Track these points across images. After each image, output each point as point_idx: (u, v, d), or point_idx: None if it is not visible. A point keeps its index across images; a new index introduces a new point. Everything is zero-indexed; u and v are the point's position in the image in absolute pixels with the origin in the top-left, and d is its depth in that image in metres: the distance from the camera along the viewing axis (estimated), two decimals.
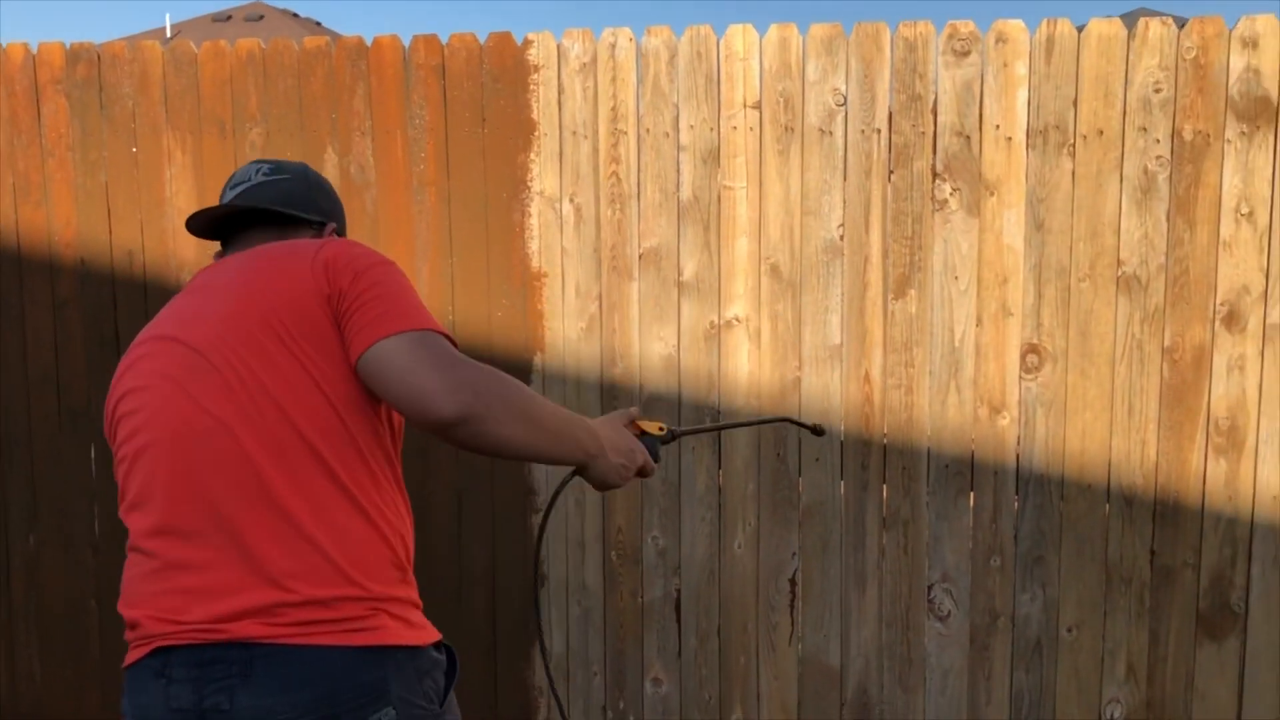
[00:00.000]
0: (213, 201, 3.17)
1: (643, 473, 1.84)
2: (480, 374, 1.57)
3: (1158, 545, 2.78)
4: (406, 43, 3.07)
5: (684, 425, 2.86)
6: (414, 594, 1.67)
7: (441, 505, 3.14)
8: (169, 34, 21.53)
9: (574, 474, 1.81)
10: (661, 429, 1.90)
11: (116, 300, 3.27)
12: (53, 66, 3.26)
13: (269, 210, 1.82)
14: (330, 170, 3.11)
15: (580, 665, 3.13)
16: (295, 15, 25.11)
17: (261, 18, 23.74)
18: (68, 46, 3.26)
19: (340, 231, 1.93)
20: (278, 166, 1.89)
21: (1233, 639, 2.77)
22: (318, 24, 25.44)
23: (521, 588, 3.14)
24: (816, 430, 2.08)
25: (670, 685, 3.09)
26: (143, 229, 3.25)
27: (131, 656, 1.60)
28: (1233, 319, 2.68)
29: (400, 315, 1.58)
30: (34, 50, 3.28)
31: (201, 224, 1.85)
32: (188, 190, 3.21)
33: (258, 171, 1.87)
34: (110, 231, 3.27)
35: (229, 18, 23.93)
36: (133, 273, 3.26)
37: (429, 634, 1.65)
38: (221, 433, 1.57)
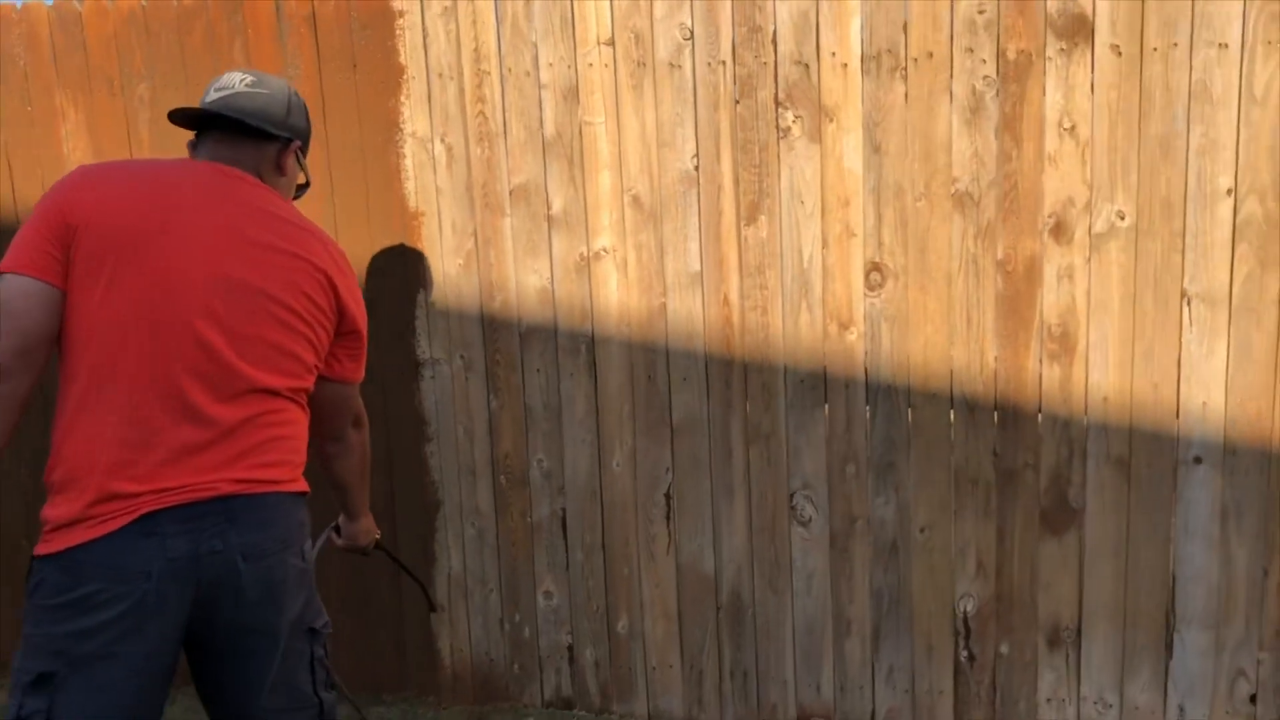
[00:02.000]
0: (111, 154, 3.32)
1: (367, 549, 2.55)
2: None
3: (1000, 448, 2.95)
4: None
5: (549, 357, 3.04)
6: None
7: None
8: None
9: (335, 526, 2.52)
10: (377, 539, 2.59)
11: None
12: None
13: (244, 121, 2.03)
14: None
15: (477, 583, 3.33)
16: None
17: None
18: None
19: (305, 149, 2.18)
20: (259, 80, 2.10)
21: (1072, 533, 2.94)
22: None
23: (419, 514, 3.32)
24: (432, 608, 3.01)
25: (561, 597, 3.29)
26: (43, 185, 3.38)
27: (110, 526, 1.80)
28: (1060, 230, 2.81)
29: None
30: None
31: (180, 117, 2.07)
32: (83, 147, 3.34)
33: (241, 81, 2.08)
34: (13, 189, 3.42)
35: None
36: None
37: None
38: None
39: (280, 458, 1.97)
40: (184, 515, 1.85)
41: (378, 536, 2.55)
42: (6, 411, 1.81)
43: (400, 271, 3.20)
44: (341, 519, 2.48)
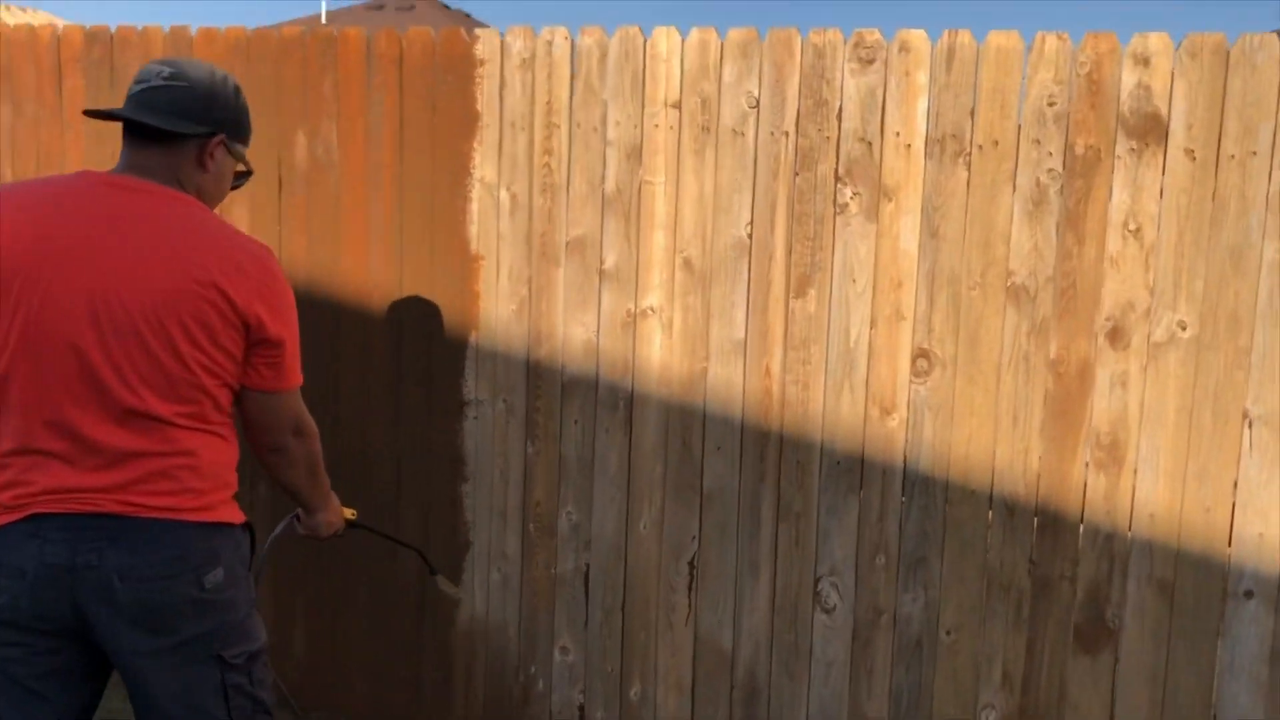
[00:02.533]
0: None
1: (336, 534, 2.53)
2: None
3: (1037, 555, 2.81)
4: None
5: (588, 410, 3.04)
6: None
7: (383, 469, 3.37)
8: (323, 19, 22.39)
9: (295, 515, 2.50)
10: (353, 513, 2.61)
11: None
12: (74, 46, 3.60)
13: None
14: (300, 151, 3.37)
15: (497, 629, 3.32)
16: (445, 6, 25.91)
17: (412, 7, 24.53)
18: (86, 29, 3.60)
19: (234, 140, 2.13)
20: (178, 71, 2.04)
21: (1107, 653, 2.77)
22: (467, 15, 26.16)
23: (449, 553, 3.34)
24: (432, 572, 2.93)
25: (576, 654, 3.25)
26: None
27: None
28: (1117, 335, 2.69)
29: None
30: (59, 32, 3.63)
31: (100, 115, 2.12)
32: None
33: (158, 75, 2.04)
34: None
35: (381, 6, 24.83)
36: None
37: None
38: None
39: (177, 487, 1.95)
40: (66, 524, 1.89)
41: (346, 520, 2.54)
42: None
43: (456, 311, 3.25)
44: (299, 511, 2.48)
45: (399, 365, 3.33)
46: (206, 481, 2.01)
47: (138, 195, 1.99)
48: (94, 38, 3.58)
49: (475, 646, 3.35)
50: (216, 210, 2.19)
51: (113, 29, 3.59)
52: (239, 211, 3.43)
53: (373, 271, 3.32)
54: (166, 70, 2.05)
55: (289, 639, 3.54)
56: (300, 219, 3.39)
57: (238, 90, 2.17)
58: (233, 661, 2.03)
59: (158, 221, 1.98)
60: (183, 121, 2.03)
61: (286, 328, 2.09)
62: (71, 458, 1.90)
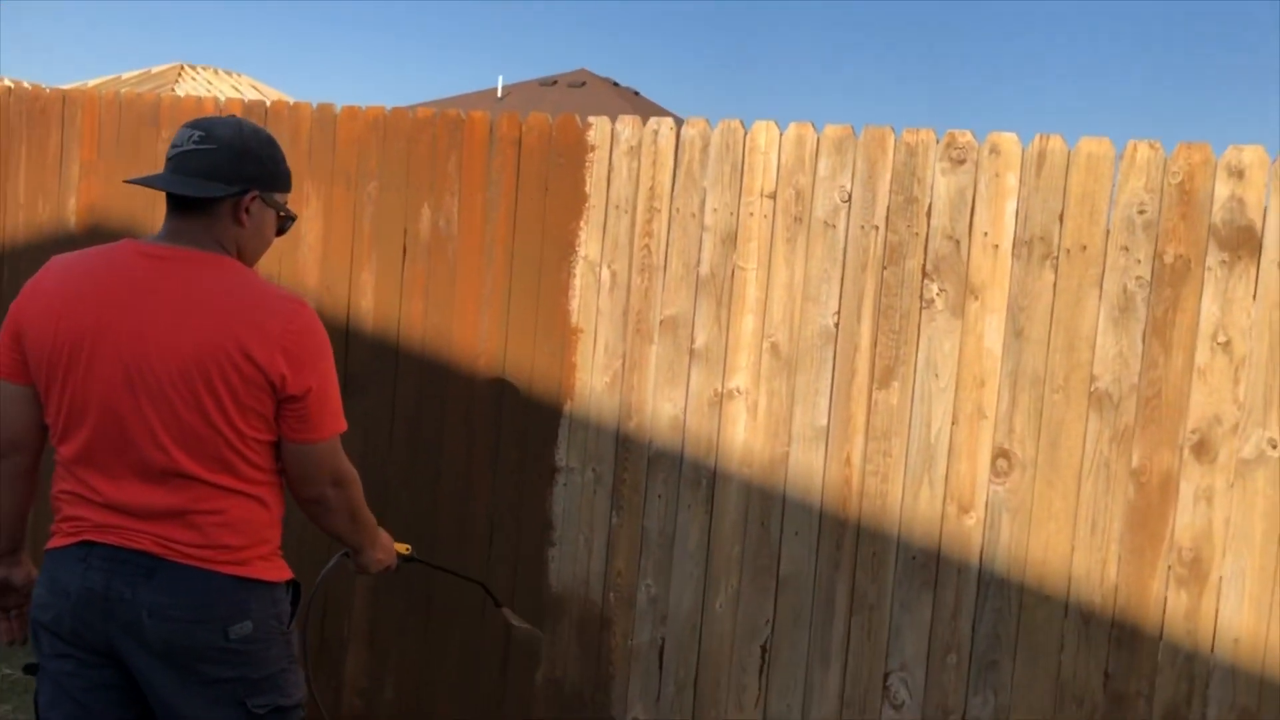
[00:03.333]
0: (338, 246, 3.72)
1: (389, 569, 2.56)
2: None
3: (1112, 668, 2.73)
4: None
5: (671, 485, 3.12)
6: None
7: (478, 525, 3.51)
8: (499, 94, 23.34)
9: (345, 553, 2.52)
10: (407, 549, 2.68)
11: None
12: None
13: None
14: (424, 223, 3.58)
15: (574, 692, 3.39)
16: (615, 84, 26.69)
17: (584, 84, 25.41)
18: (245, 102, 3.94)
19: (270, 191, 2.18)
20: (209, 133, 2.12)
21: None
22: (636, 93, 26.90)
23: (534, 612, 3.44)
24: (497, 604, 3.06)
25: None
26: (280, 258, 3.84)
27: (60, 542, 2.13)
28: (1203, 448, 2.62)
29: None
30: (220, 103, 3.98)
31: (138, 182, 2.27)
32: (318, 229, 3.78)
33: (189, 139, 2.12)
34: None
35: (554, 83, 25.76)
36: None
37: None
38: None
39: (207, 541, 2.07)
40: (109, 555, 2.06)
41: (398, 557, 2.58)
42: (14, 479, 2.20)
43: (554, 380, 3.39)
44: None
45: (499, 428, 3.48)
46: (240, 538, 2.11)
47: (171, 263, 2.10)
48: (250, 110, 3.91)
49: (553, 708, 3.43)
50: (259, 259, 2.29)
51: (267, 103, 3.91)
52: (366, 277, 3.67)
53: (481, 338, 3.50)
54: (197, 134, 2.12)
55: (381, 686, 3.69)
56: (420, 286, 3.60)
57: (270, 142, 2.21)
58: (256, 711, 2.12)
59: (189, 287, 2.08)
60: (213, 184, 2.10)
61: (314, 379, 2.12)
62: (117, 507, 2.09)
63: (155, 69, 23.05)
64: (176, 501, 2.07)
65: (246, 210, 2.15)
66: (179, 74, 22.55)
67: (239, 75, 23.53)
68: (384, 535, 2.51)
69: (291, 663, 2.22)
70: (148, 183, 2.17)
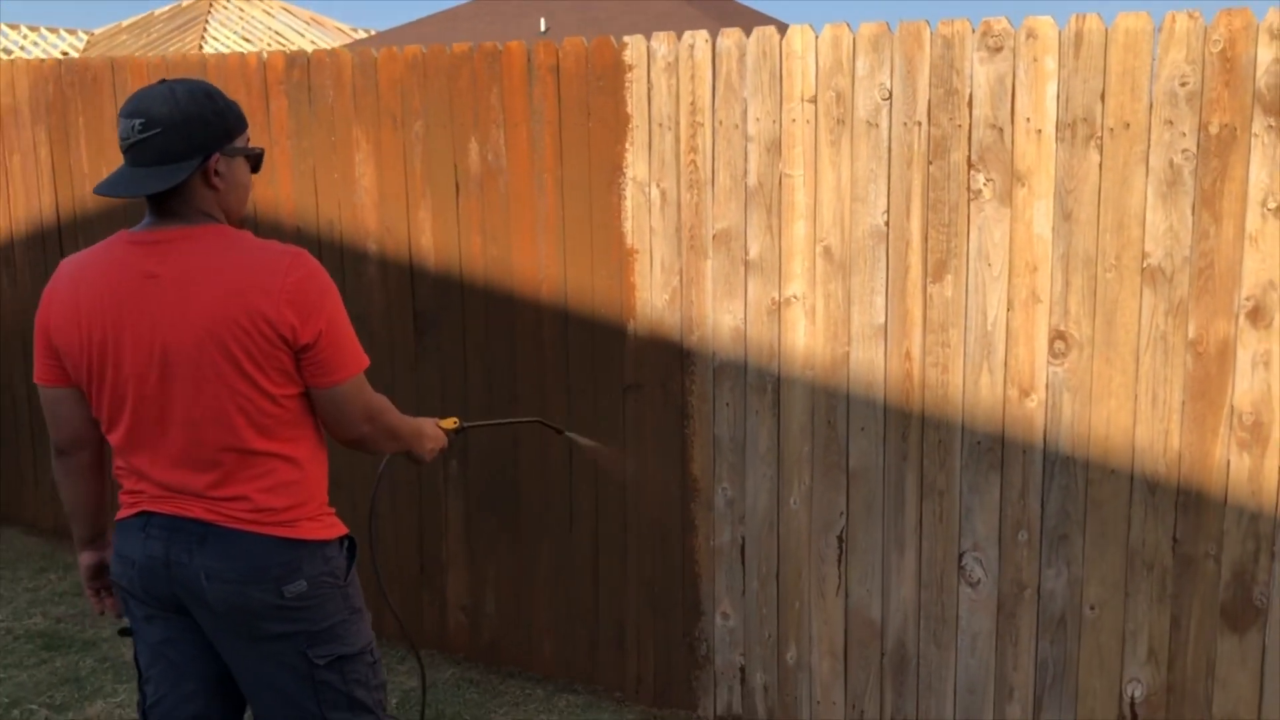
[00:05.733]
0: (392, 188, 3.82)
1: (443, 451, 2.60)
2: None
3: (1180, 534, 2.82)
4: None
5: (738, 392, 3.22)
6: None
7: (557, 445, 3.66)
8: None
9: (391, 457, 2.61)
10: (455, 422, 2.70)
11: (320, 259, 4.00)
12: (277, 70, 4.02)
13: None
14: (473, 158, 3.66)
15: (664, 594, 3.57)
16: None
17: None
18: (287, 53, 4.01)
19: (229, 145, 2.16)
20: (147, 119, 2.10)
21: (1254, 632, 2.77)
22: None
23: (617, 525, 3.60)
24: (558, 430, 3.05)
25: (736, 620, 3.46)
26: (339, 204, 3.96)
27: (123, 513, 2.31)
28: (1258, 314, 2.66)
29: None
30: (264, 58, 4.05)
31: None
32: (371, 172, 3.87)
33: (133, 129, 2.11)
34: (317, 206, 4.01)
35: None
36: (332, 238, 3.99)
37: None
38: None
39: (252, 507, 2.17)
40: (166, 523, 2.21)
41: (451, 431, 2.64)
42: (80, 472, 2.36)
43: (615, 301, 3.49)
44: None
45: (567, 351, 3.60)
46: (285, 499, 2.20)
47: (163, 246, 2.15)
48: (293, 61, 3.98)
49: (644, 612, 3.61)
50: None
51: (309, 53, 3.97)
52: (423, 215, 3.77)
53: (540, 266, 3.60)
54: (138, 123, 2.11)
55: (482, 601, 3.91)
56: (475, 220, 3.69)
57: (206, 95, 2.17)
58: (318, 661, 2.24)
59: (186, 264, 2.14)
60: (173, 168, 2.12)
61: (322, 322, 2.16)
62: (166, 485, 2.24)
63: (186, 1, 23.01)
64: (220, 473, 2.18)
65: (216, 173, 2.16)
66: (210, 4, 22.49)
67: (271, 0, 23.40)
68: (426, 425, 2.54)
69: (352, 613, 2.32)
70: (113, 192, 2.17)
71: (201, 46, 19.77)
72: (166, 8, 23.40)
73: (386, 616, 3.80)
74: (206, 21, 21.57)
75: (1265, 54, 2.56)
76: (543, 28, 18.72)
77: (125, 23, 22.59)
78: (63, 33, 20.67)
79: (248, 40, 20.90)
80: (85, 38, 21.24)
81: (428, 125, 3.74)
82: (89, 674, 3.96)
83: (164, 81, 2.19)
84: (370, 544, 2.71)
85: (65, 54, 19.59)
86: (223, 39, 20.76)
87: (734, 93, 3.21)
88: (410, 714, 3.61)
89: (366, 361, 2.27)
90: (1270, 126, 2.58)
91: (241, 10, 22.29)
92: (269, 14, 22.56)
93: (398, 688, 3.78)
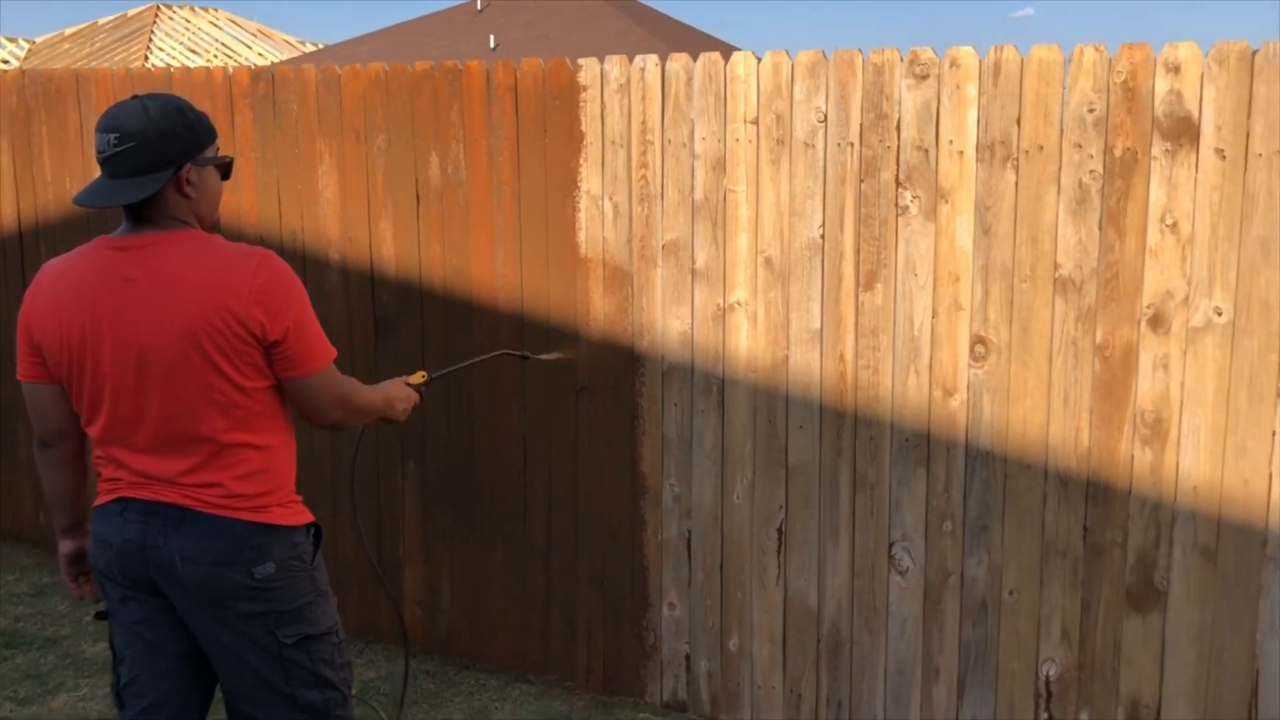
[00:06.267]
0: (355, 198, 3.98)
1: (416, 406, 2.82)
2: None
3: (1090, 523, 3.07)
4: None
5: (685, 393, 3.43)
6: None
7: (512, 446, 3.84)
8: (479, 7, 22.99)
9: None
10: (424, 376, 2.92)
11: None
12: (242, 84, 4.17)
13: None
14: (434, 171, 3.84)
15: (613, 586, 3.76)
16: None
17: None
18: (253, 69, 4.16)
19: (199, 155, 2.32)
20: (121, 134, 2.25)
21: (1156, 614, 3.02)
22: None
23: (569, 522, 3.79)
24: (524, 356, 3.38)
25: (682, 610, 3.66)
26: (302, 214, 4.12)
27: (102, 499, 2.45)
28: (1158, 321, 2.92)
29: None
30: (230, 72, 4.21)
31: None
32: (334, 184, 4.04)
33: (108, 143, 2.26)
34: (280, 216, 4.17)
35: None
36: (295, 248, 4.14)
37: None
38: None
39: (225, 493, 2.33)
40: (142, 508, 2.36)
41: (420, 385, 2.84)
42: (62, 464, 2.52)
43: (569, 308, 3.68)
44: None
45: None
46: (257, 486, 2.36)
47: (139, 251, 2.30)
48: (258, 76, 4.14)
49: (595, 604, 3.80)
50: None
51: (273, 67, 4.13)
52: (384, 225, 3.94)
53: (498, 274, 3.78)
54: (113, 138, 2.26)
55: (438, 595, 4.07)
56: (436, 231, 3.88)
57: (178, 110, 2.32)
58: (286, 640, 2.39)
59: (161, 268, 2.29)
60: (147, 179, 2.27)
61: (289, 320, 2.31)
62: (143, 474, 2.38)
63: (132, 11, 22.84)
64: (195, 462, 2.32)
65: (188, 182, 2.31)
66: (156, 14, 22.35)
67: (216, 11, 23.31)
68: (395, 389, 2.72)
69: (319, 595, 2.47)
70: (92, 203, 2.31)
71: (147, 57, 19.67)
72: (111, 17, 23.20)
73: (344, 609, 3.96)
74: (152, 32, 21.46)
75: (1162, 84, 2.83)
76: (492, 44, 18.88)
77: (68, 31, 22.39)
78: (3, 40, 20.45)
79: (194, 52, 20.83)
80: (26, 46, 21.01)
81: (390, 139, 3.91)
82: (50, 670, 4.06)
83: (137, 97, 2.35)
84: (353, 507, 3.03)
85: (5, 61, 19.41)
86: (168, 49, 20.68)
87: (682, 113, 3.43)
88: (374, 707, 3.76)
89: (334, 353, 2.44)
90: (1168, 150, 2.85)
91: (188, 21, 22.21)
92: (215, 25, 22.49)
93: (356, 679, 3.92)
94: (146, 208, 2.33)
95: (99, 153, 2.30)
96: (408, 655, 3.05)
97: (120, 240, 2.36)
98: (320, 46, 20.90)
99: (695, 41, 17.32)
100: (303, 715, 2.48)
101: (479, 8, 22.37)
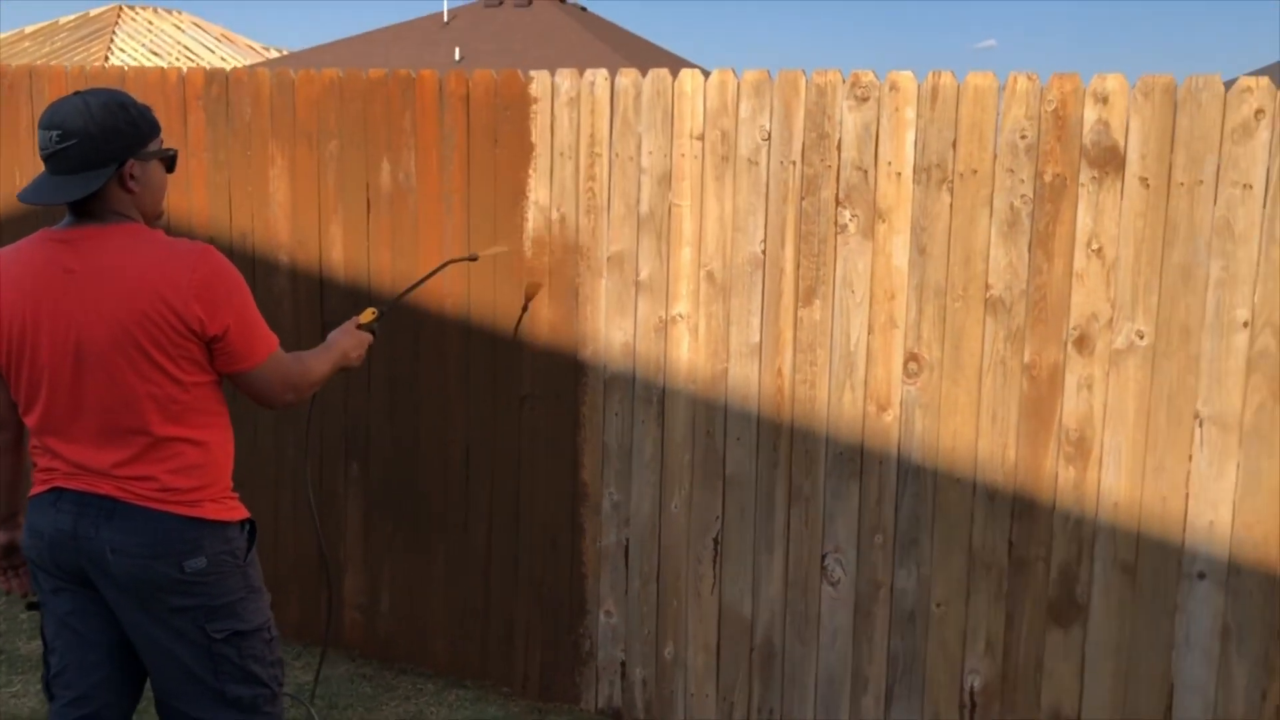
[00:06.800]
0: (305, 203, 4.00)
1: (370, 346, 2.87)
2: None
3: (1015, 538, 3.15)
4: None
5: (626, 403, 3.48)
6: None
7: (455, 450, 3.87)
8: (445, 19, 23.08)
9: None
10: (373, 313, 2.91)
11: None
12: (196, 85, 4.19)
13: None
14: (385, 177, 3.88)
15: (551, 593, 3.79)
16: (562, 1, 26.48)
17: (530, 4, 25.23)
18: (206, 70, 4.18)
19: (141, 150, 2.34)
20: (63, 131, 2.27)
21: (1077, 627, 3.10)
22: (583, 9, 26.71)
23: (511, 527, 3.82)
24: (471, 258, 3.55)
25: (619, 618, 3.70)
26: (253, 216, 4.13)
27: (36, 489, 2.46)
28: (1083, 342, 3.01)
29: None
30: (183, 73, 4.22)
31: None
32: (285, 188, 4.06)
33: (50, 140, 2.28)
34: (230, 217, 4.18)
35: (500, 3, 25.59)
36: (245, 249, 4.15)
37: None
38: None
39: (158, 487, 2.34)
40: (75, 499, 2.37)
41: (370, 324, 2.86)
42: (2, 452, 2.54)
43: (515, 316, 3.72)
44: None
45: (468, 363, 3.82)
46: (190, 481, 2.37)
47: (79, 243, 2.33)
48: (212, 78, 4.16)
49: (533, 610, 3.83)
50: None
51: (228, 70, 4.16)
52: (334, 230, 3.97)
53: (446, 282, 3.82)
54: (55, 134, 2.27)
55: (377, 600, 4.08)
56: (386, 236, 3.91)
57: (120, 106, 2.33)
58: (216, 636, 2.40)
59: (100, 260, 2.31)
60: (90, 175, 2.29)
61: (230, 315, 2.34)
62: (78, 465, 2.39)
63: (94, 11, 22.66)
64: (129, 454, 2.33)
65: (131, 177, 2.34)
66: (118, 15, 22.18)
67: (179, 13, 23.15)
68: (345, 342, 2.76)
69: (250, 592, 2.47)
70: (36, 199, 2.33)
71: (108, 58, 19.51)
72: (73, 16, 22.98)
73: (284, 611, 3.97)
74: (114, 33, 21.29)
75: (1090, 114, 2.93)
76: (458, 57, 18.90)
77: (29, 29, 22.15)
78: None
79: (156, 54, 20.69)
80: None
81: (342, 145, 3.94)
82: None
83: (78, 94, 2.35)
84: (310, 506, 3.13)
85: None
86: (130, 50, 20.52)
87: (630, 128, 3.49)
88: (309, 707, 3.76)
89: (275, 342, 2.47)
90: (1094, 177, 2.94)
91: (150, 23, 22.05)
92: (179, 28, 22.35)
93: (291, 681, 3.92)
94: (90, 202, 2.35)
95: (42, 149, 2.32)
96: (329, 621, 3.10)
97: (62, 233, 2.38)
98: (285, 53, 20.83)
99: (661, 62, 17.49)
100: (230, 711, 2.49)
101: (446, 20, 22.38)
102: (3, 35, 20.92)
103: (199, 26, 22.48)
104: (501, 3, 25.57)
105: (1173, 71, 2.85)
